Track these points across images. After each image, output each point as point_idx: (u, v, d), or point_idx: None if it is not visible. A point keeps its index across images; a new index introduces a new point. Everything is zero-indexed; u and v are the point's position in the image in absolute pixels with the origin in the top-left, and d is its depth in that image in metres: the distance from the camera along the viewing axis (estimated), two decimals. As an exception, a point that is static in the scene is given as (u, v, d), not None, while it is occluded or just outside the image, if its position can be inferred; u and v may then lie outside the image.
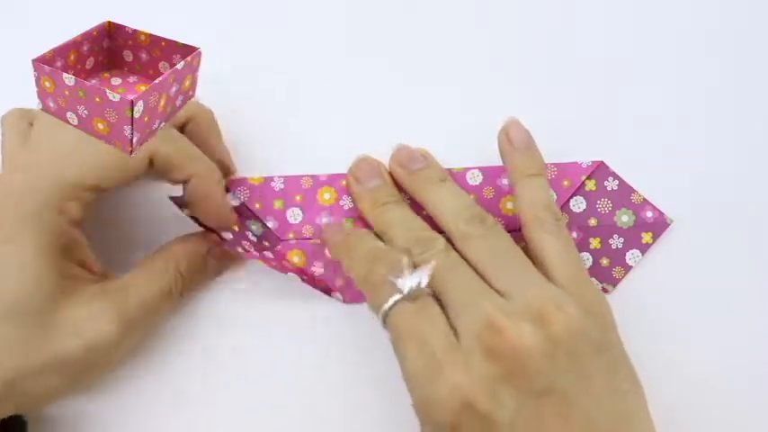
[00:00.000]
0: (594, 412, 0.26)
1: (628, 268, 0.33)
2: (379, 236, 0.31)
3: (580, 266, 0.29)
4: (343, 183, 0.33)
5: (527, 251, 0.30)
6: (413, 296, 0.27)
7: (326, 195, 0.33)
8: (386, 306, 0.27)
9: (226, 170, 0.33)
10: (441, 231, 0.30)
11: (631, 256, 0.33)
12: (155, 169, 0.30)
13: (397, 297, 0.27)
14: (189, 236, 0.32)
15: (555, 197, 0.33)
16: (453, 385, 0.25)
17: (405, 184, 0.32)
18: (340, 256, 0.31)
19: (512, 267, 0.28)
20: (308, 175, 0.33)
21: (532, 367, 0.25)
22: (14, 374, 0.26)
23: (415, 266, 0.28)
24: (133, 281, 0.30)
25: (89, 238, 0.30)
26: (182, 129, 0.32)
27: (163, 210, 0.33)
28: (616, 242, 0.33)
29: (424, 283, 0.28)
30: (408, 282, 0.27)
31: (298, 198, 0.33)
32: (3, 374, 0.26)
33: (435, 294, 0.28)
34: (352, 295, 0.33)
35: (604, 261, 0.33)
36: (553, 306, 0.27)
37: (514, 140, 0.32)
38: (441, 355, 0.26)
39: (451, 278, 0.28)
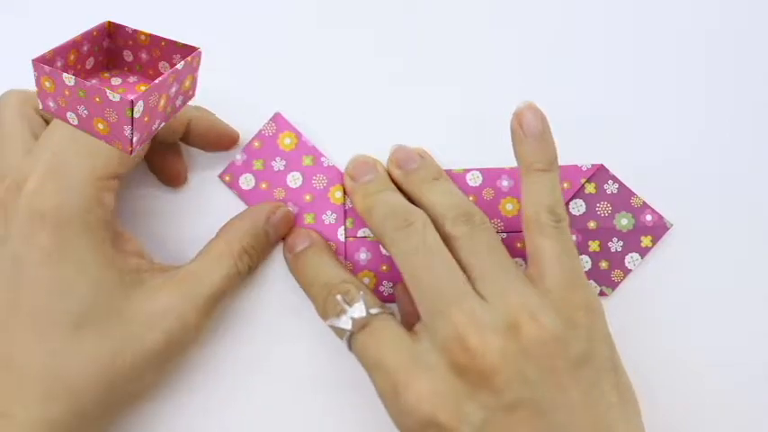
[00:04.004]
0: (570, 426, 0.25)
1: (627, 272, 0.33)
2: (368, 226, 0.31)
3: (575, 272, 0.28)
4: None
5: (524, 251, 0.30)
6: (361, 325, 0.28)
7: (337, 194, 0.33)
8: (345, 341, 0.29)
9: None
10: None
11: (630, 259, 0.33)
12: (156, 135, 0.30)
13: (347, 334, 0.28)
14: (243, 213, 0.32)
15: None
16: (417, 399, 0.26)
17: (402, 185, 0.32)
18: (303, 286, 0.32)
19: (494, 270, 0.28)
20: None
21: (500, 381, 0.25)
22: (109, 374, 0.27)
23: (351, 297, 0.29)
24: (200, 267, 0.30)
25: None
26: (185, 134, 0.32)
27: (163, 203, 0.34)
28: (615, 245, 0.33)
29: (360, 314, 0.28)
30: (347, 318, 0.28)
31: (307, 198, 0.33)
32: (98, 376, 0.27)
33: (412, 291, 0.28)
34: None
35: (603, 264, 0.33)
36: (527, 315, 0.26)
37: (526, 127, 0.29)
38: (401, 374, 0.27)
39: (428, 280, 0.28)
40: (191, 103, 0.30)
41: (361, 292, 0.29)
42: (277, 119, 0.34)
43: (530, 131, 0.29)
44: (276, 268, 0.33)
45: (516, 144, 0.30)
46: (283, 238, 0.33)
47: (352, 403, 0.32)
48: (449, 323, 0.26)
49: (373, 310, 0.29)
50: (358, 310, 0.28)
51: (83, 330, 0.27)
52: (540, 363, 0.26)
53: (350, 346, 0.29)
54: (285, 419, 0.32)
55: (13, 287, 0.27)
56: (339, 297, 0.29)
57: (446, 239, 0.29)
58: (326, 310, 0.30)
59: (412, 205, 0.30)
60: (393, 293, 0.33)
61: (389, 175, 0.33)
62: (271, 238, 0.32)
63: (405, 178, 0.32)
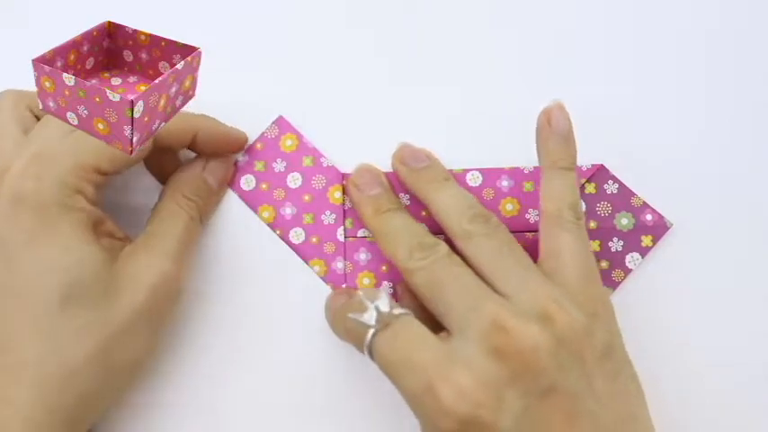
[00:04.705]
0: (599, 413, 0.26)
1: (627, 271, 0.33)
2: (379, 241, 0.31)
3: (592, 268, 0.29)
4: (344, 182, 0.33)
5: (531, 249, 0.30)
6: (384, 323, 0.27)
7: (336, 194, 0.33)
8: (366, 342, 0.28)
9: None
10: (441, 231, 0.31)
11: (631, 259, 0.33)
12: (161, 143, 0.31)
13: (371, 331, 0.27)
14: (181, 167, 0.33)
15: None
16: (456, 395, 0.25)
17: (407, 181, 0.32)
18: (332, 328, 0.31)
19: (514, 268, 0.28)
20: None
21: (538, 365, 0.25)
22: (105, 344, 0.27)
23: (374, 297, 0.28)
24: (158, 227, 0.31)
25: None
26: (193, 143, 0.32)
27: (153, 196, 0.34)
28: (616, 245, 0.33)
29: (384, 308, 0.28)
30: (372, 313, 0.28)
31: (306, 198, 0.33)
32: (93, 348, 0.27)
33: (434, 301, 0.28)
34: None
35: (604, 264, 0.33)
36: (557, 306, 0.27)
37: (555, 125, 0.30)
38: (436, 371, 0.26)
39: (453, 284, 0.28)
40: (196, 108, 0.31)
41: (384, 292, 0.29)
42: (280, 122, 0.34)
43: (558, 129, 0.30)
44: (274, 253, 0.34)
45: (542, 140, 0.30)
46: (230, 184, 0.34)
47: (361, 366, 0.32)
48: (483, 314, 0.26)
49: (396, 311, 0.28)
50: (383, 304, 0.28)
51: (71, 305, 0.27)
52: (572, 351, 0.26)
53: (371, 352, 0.28)
54: (285, 410, 0.32)
55: (0, 270, 0.27)
56: (361, 293, 0.29)
57: (462, 239, 0.29)
58: (351, 310, 0.29)
59: (431, 233, 0.30)
60: (393, 293, 0.33)
61: (389, 175, 0.33)
62: (210, 183, 0.33)
63: (411, 175, 0.32)
